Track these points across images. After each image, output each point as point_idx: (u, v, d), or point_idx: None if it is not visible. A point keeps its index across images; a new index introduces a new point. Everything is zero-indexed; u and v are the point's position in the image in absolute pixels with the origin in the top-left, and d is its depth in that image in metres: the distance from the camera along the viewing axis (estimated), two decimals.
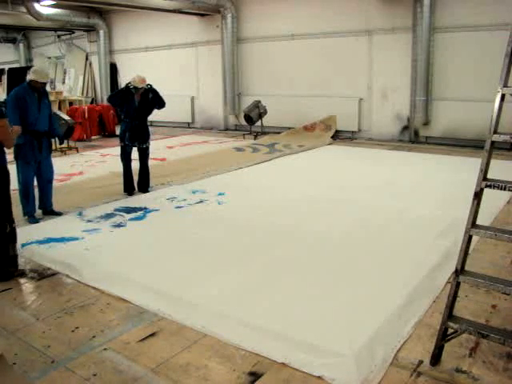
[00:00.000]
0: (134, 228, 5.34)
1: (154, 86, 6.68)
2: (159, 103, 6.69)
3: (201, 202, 6.30)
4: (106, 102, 14.76)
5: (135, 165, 6.79)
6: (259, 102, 11.99)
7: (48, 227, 5.27)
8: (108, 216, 5.72)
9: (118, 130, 12.32)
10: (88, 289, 3.85)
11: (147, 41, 15.11)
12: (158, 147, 10.10)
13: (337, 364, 2.72)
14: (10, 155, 4.36)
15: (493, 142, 2.52)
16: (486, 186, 2.53)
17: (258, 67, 13.13)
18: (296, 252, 4.49)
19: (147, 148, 6.76)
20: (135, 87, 6.41)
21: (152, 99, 6.59)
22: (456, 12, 9.93)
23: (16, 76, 14.60)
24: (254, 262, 4.28)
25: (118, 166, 7.02)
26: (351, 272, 4.04)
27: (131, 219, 5.61)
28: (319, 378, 2.65)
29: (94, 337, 3.13)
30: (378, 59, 11.16)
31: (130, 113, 6.52)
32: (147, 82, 6.51)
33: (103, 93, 16.20)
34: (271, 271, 4.08)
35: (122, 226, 5.39)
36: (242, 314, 3.31)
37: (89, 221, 5.55)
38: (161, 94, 6.74)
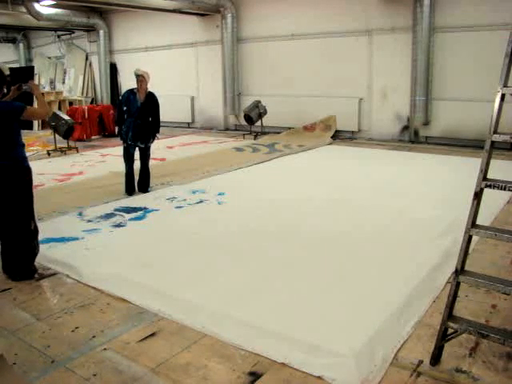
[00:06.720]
0: (133, 228, 5.34)
1: (155, 87, 6.68)
2: (154, 116, 6.66)
3: (201, 202, 6.30)
4: (106, 103, 14.81)
5: (136, 165, 6.79)
6: (259, 101, 11.99)
7: (48, 227, 5.26)
8: (108, 216, 5.72)
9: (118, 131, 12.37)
10: (88, 289, 3.85)
11: (147, 41, 15.10)
12: (158, 147, 10.03)
13: (337, 364, 2.72)
14: None
15: (493, 142, 2.52)
16: (486, 186, 2.53)
17: (258, 67, 13.12)
18: (296, 252, 4.49)
19: (148, 148, 6.76)
20: (137, 75, 6.43)
21: (152, 103, 6.60)
22: (456, 12, 9.92)
23: (16, 76, 14.60)
24: (254, 262, 4.28)
25: (118, 166, 7.01)
26: (351, 272, 4.04)
27: (131, 219, 5.61)
28: (319, 378, 2.65)
29: (94, 337, 3.13)
30: (378, 59, 11.15)
31: (132, 111, 6.52)
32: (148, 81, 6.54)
33: (103, 93, 16.19)
34: (271, 271, 4.07)
35: (122, 225, 5.40)
36: (242, 314, 3.31)
37: (89, 221, 5.56)
38: (159, 94, 6.72)
